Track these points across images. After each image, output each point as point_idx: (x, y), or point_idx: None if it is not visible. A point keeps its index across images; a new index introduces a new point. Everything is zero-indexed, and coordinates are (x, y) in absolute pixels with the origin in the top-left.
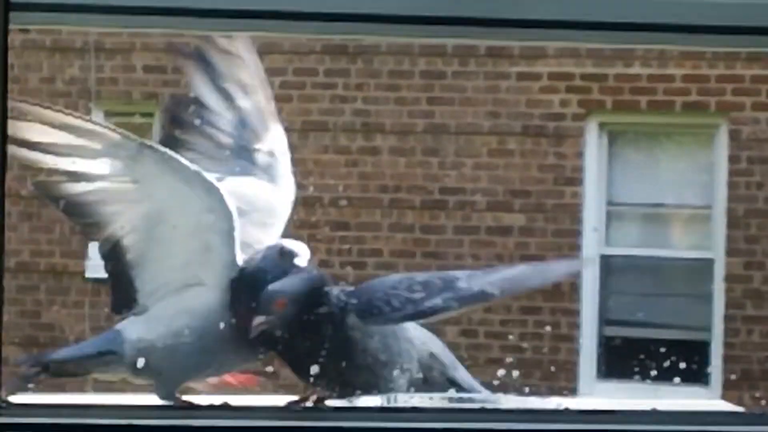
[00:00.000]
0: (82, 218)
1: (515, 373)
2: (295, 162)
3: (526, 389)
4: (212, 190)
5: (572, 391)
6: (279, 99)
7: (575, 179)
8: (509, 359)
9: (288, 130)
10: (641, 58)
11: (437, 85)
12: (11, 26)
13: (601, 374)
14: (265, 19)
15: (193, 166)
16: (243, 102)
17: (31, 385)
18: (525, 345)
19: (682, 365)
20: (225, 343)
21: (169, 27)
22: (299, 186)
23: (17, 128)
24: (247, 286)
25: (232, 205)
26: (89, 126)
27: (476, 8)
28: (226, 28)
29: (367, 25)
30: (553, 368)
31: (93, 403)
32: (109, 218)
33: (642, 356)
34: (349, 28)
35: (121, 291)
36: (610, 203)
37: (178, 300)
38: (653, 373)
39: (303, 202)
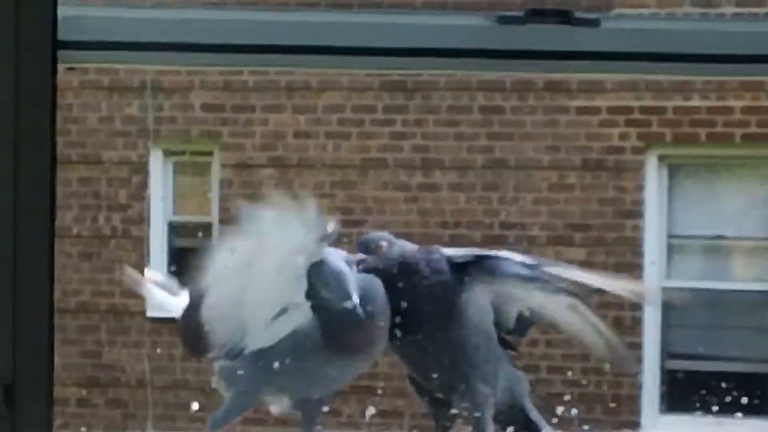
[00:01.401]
0: None
1: (574, 411)
2: (355, 198)
3: (587, 426)
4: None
5: (635, 426)
6: (337, 136)
7: (635, 212)
8: (570, 395)
9: (347, 167)
10: (700, 91)
11: (496, 120)
12: (60, 65)
13: (663, 408)
14: (322, 55)
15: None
16: None
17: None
18: (586, 380)
19: (745, 398)
20: (322, 360)
21: (228, 64)
22: (361, 223)
23: None
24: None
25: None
26: None
27: (533, 41)
28: (282, 64)
29: (424, 60)
30: (614, 403)
31: None
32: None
33: (705, 389)
34: (405, 63)
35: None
36: (670, 236)
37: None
38: (716, 406)
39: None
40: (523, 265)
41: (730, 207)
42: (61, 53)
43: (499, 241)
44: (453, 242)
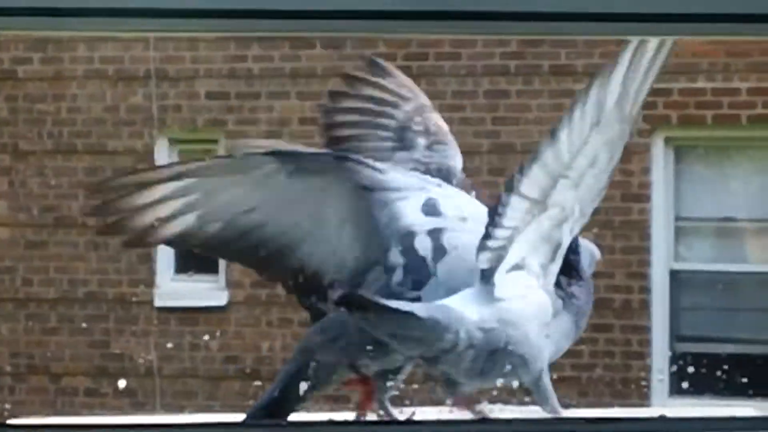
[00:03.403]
0: (249, 254)
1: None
2: None
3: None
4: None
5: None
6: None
7: (642, 195)
8: (579, 378)
9: None
10: (705, 72)
11: (501, 105)
12: None
13: (673, 391)
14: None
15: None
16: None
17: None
18: (596, 362)
19: (755, 381)
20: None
21: (192, 29)
22: None
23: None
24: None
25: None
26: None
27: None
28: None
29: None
30: (624, 387)
31: (92, 423)
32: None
33: (714, 372)
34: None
35: None
36: (678, 218)
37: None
38: (726, 388)
39: None
40: None
41: (738, 189)
42: None
43: None
44: None
